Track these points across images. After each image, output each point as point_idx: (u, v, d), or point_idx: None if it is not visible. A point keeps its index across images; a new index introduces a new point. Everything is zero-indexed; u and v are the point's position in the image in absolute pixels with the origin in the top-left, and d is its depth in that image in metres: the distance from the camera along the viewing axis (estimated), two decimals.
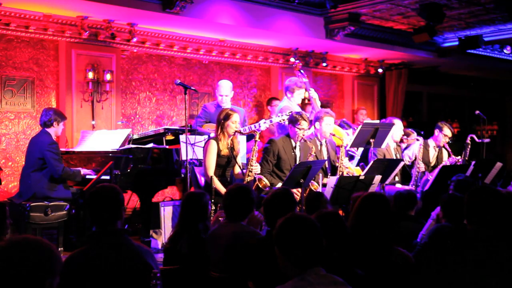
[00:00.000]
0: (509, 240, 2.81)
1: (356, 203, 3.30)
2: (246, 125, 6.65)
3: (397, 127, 7.22)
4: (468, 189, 3.03)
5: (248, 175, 5.58)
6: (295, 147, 6.07)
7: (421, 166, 7.13)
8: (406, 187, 6.57)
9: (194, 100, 8.95)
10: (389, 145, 7.15)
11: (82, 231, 6.17)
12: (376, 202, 3.23)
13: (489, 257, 2.75)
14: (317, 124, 6.36)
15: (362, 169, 6.46)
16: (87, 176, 6.13)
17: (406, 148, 7.65)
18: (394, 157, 7.05)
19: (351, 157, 7.22)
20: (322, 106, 9.50)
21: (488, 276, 2.70)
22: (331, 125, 6.38)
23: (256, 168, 5.64)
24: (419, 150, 7.27)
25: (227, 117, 5.69)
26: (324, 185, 5.64)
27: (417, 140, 7.50)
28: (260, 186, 5.47)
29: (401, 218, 4.71)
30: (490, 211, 2.86)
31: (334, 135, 6.47)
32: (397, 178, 7.07)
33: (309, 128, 6.21)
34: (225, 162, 5.75)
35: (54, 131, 6.05)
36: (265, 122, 6.52)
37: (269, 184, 5.57)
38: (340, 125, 7.78)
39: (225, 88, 6.97)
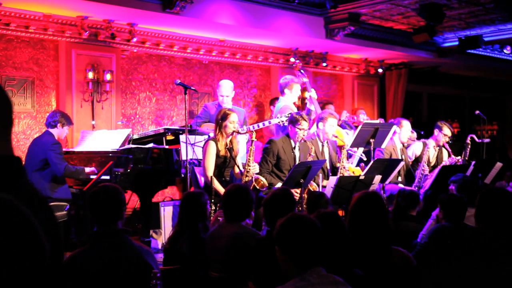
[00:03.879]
0: None
1: (351, 203, 3.30)
2: (247, 126, 6.65)
3: (405, 128, 7.21)
4: (470, 189, 3.06)
5: (246, 175, 5.56)
6: (294, 147, 6.07)
7: (426, 168, 7.10)
8: (408, 188, 6.56)
9: (194, 100, 8.94)
10: (396, 146, 7.14)
11: (82, 231, 6.17)
12: (370, 201, 3.22)
13: (493, 256, 2.76)
14: (320, 124, 6.34)
15: (362, 169, 6.46)
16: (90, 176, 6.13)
17: (406, 148, 7.64)
18: (400, 158, 7.03)
19: (349, 157, 7.20)
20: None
21: (490, 276, 2.71)
22: (335, 127, 6.37)
23: (254, 168, 5.60)
24: (423, 152, 7.24)
25: (225, 117, 5.66)
26: (324, 187, 5.63)
27: (417, 140, 7.48)
28: (257, 187, 5.45)
29: (402, 217, 4.70)
30: (501, 213, 2.90)
31: (336, 136, 6.46)
32: (400, 179, 7.05)
33: (309, 128, 6.19)
34: (224, 163, 5.74)
35: (57, 132, 6.09)
36: (264, 124, 6.51)
37: (267, 184, 5.55)
38: (341, 126, 7.78)
39: (226, 89, 6.95)
